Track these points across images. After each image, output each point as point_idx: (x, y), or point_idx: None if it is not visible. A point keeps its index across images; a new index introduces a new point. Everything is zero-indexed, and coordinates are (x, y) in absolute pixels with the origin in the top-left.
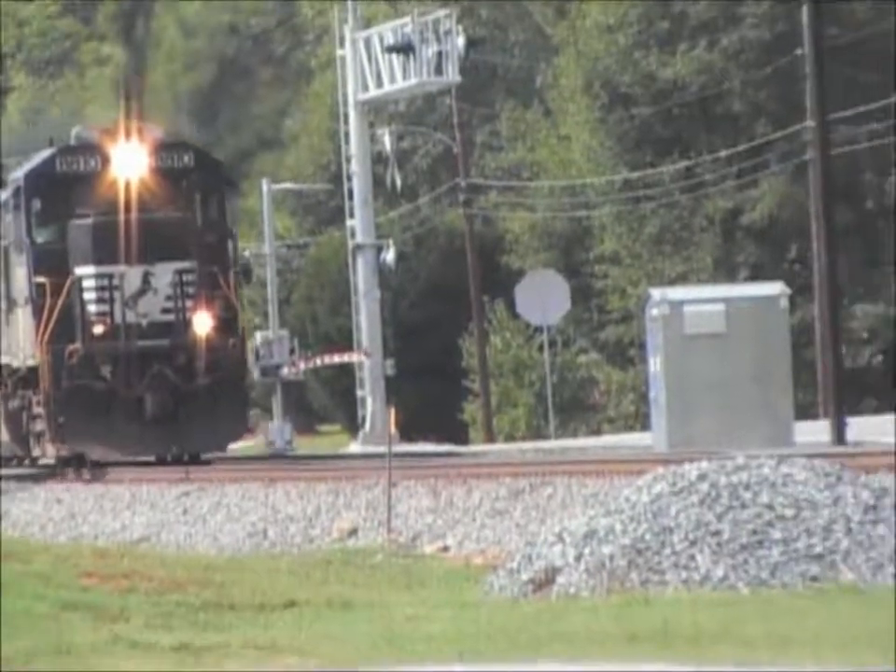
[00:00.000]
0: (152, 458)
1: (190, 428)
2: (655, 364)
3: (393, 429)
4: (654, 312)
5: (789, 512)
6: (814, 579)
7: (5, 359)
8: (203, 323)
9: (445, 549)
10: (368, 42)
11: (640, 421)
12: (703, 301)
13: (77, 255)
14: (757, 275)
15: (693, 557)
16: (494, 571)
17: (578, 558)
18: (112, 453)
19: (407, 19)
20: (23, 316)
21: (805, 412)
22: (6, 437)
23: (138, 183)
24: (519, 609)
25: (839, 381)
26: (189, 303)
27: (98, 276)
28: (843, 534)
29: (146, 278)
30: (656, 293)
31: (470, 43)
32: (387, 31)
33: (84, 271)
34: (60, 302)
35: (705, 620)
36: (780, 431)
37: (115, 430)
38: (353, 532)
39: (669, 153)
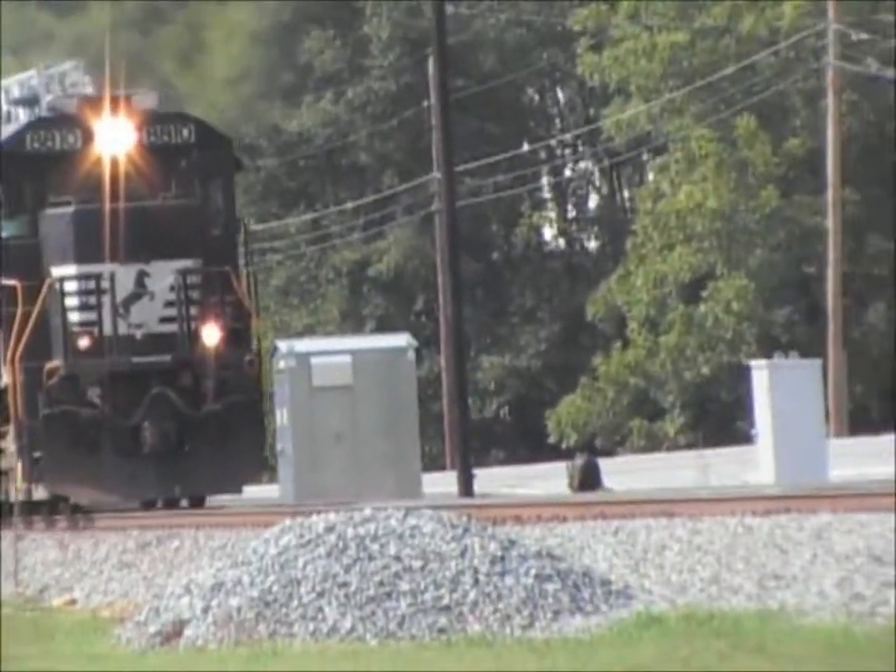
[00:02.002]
0: (151, 501)
1: (198, 465)
2: (283, 416)
3: (20, 481)
4: (281, 364)
5: (416, 564)
6: (441, 630)
7: None
8: (211, 335)
9: (73, 601)
10: None
11: (269, 473)
12: (330, 353)
13: (55, 252)
14: (384, 327)
15: (320, 609)
16: (121, 623)
17: (205, 610)
18: (102, 494)
19: (33, 71)
20: None
21: (432, 463)
22: None
23: (128, 162)
24: (146, 661)
25: (466, 432)
26: (193, 311)
27: (82, 278)
28: (470, 585)
29: (140, 280)
30: (283, 345)
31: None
32: (13, 84)
33: (64, 271)
34: (35, 310)
35: None
36: (408, 483)
37: (105, 467)
38: None
39: (296, 205)
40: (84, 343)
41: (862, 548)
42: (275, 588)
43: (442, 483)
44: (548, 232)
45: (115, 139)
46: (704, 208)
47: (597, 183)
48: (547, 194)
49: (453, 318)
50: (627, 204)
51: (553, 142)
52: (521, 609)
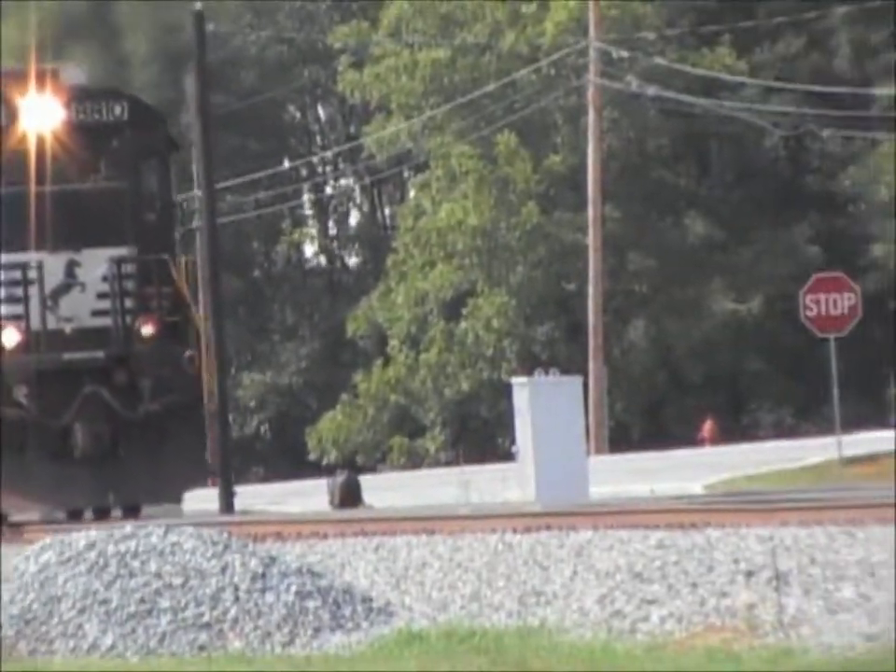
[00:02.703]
0: (84, 510)
1: (134, 471)
2: None
3: None
4: None
5: (177, 581)
6: (202, 647)
7: None
8: (149, 329)
9: None
10: None
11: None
12: None
13: None
14: None
15: (81, 626)
16: None
17: None
18: (30, 503)
19: None
20: None
21: None
22: None
23: (55, 142)
24: None
25: (226, 449)
26: (129, 303)
27: (7, 267)
28: (231, 602)
29: (70, 269)
30: None
31: None
32: None
33: None
34: None
35: None
36: None
37: (33, 473)
38: None
39: None
40: (9, 338)
41: (623, 565)
42: (35, 606)
43: (203, 499)
44: (309, 249)
45: (41, 116)
46: (465, 225)
47: (358, 200)
48: (308, 211)
49: (213, 335)
50: (388, 221)
51: (314, 159)
52: (281, 626)
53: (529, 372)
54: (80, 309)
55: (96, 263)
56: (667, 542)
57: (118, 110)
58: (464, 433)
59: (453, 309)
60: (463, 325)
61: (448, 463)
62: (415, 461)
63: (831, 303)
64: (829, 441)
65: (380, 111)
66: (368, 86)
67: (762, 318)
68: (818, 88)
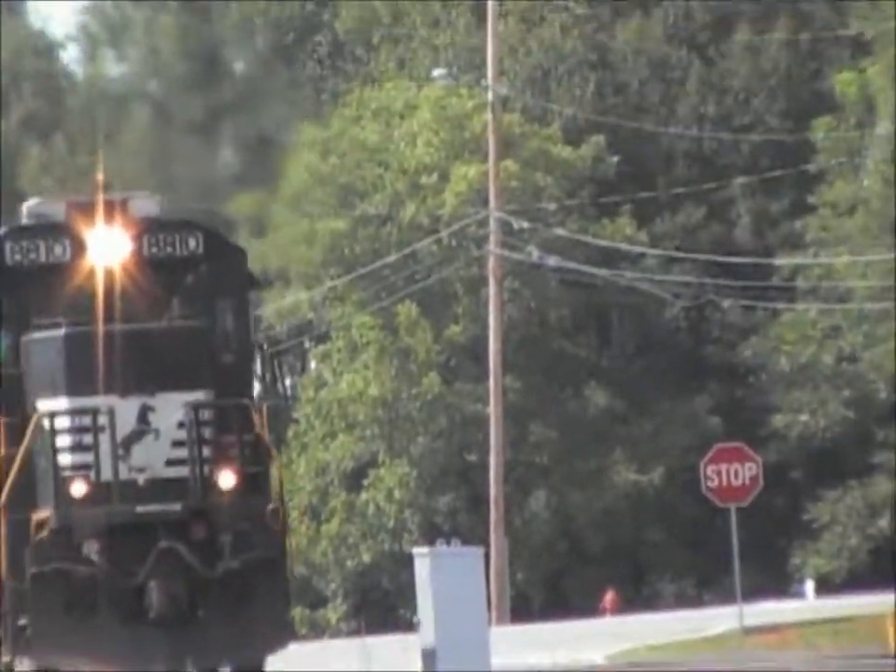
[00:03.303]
0: None
1: (214, 634)
2: None
3: None
4: None
5: None
6: None
7: None
8: (228, 480)
9: None
10: None
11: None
12: None
13: (43, 382)
14: None
15: None
16: None
17: None
18: (100, 669)
19: None
20: None
21: None
22: None
23: (126, 278)
24: None
25: None
26: (207, 451)
27: (75, 413)
28: None
29: (143, 415)
30: None
31: None
32: None
33: (53, 405)
34: (20, 451)
35: None
36: None
37: (104, 636)
38: None
39: None
40: (78, 489)
41: None
42: None
43: None
44: None
45: (110, 250)
46: (366, 396)
47: (259, 371)
48: None
49: None
50: (289, 392)
51: None
52: None
53: (431, 543)
54: (154, 458)
55: (171, 409)
56: None
57: (192, 243)
58: (365, 604)
59: (354, 480)
60: (364, 496)
61: (350, 633)
62: (317, 632)
63: (732, 474)
64: (731, 610)
65: (279, 281)
66: (267, 255)
67: (663, 489)
68: (718, 258)
